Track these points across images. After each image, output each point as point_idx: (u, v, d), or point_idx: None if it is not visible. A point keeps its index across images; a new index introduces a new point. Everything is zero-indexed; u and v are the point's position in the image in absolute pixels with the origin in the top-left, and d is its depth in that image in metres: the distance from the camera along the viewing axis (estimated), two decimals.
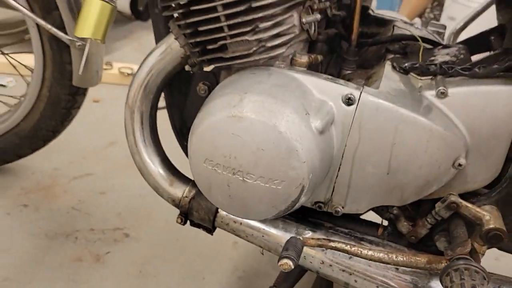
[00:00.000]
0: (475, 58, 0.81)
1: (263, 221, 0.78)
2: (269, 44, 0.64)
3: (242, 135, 0.59)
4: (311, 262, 0.76)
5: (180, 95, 0.81)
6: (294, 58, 0.68)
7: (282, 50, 0.66)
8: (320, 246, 0.64)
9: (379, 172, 0.67)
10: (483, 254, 0.69)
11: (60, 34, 1.01)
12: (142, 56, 0.77)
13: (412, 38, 0.83)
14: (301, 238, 0.63)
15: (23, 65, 1.24)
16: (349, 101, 0.64)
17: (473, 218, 0.68)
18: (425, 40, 0.87)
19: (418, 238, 0.74)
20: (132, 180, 0.83)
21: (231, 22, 0.63)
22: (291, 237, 0.62)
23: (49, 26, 1.00)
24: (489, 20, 0.90)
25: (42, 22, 1.01)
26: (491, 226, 0.66)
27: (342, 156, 0.67)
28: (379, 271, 0.74)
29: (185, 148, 0.83)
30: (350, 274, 0.74)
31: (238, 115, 0.59)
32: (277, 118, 0.59)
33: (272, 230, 0.78)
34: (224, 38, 0.65)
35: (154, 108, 0.79)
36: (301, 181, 0.60)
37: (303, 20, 0.66)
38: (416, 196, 0.70)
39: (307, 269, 0.80)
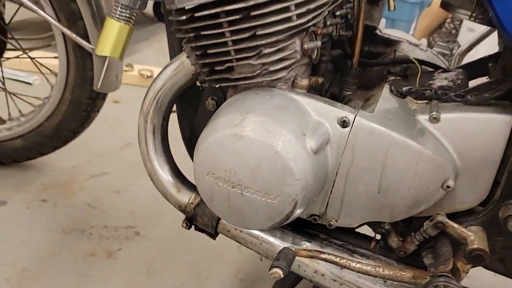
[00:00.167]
0: (474, 82, 0.84)
1: (262, 230, 0.83)
2: (272, 68, 0.70)
3: (242, 153, 0.65)
4: (305, 271, 0.81)
5: (191, 108, 0.87)
6: (295, 80, 0.73)
7: (284, 73, 0.71)
8: (310, 257, 0.69)
9: (370, 191, 0.72)
10: (466, 272, 0.73)
11: (83, 43, 1.08)
12: (162, 58, 0.83)
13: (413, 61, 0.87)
14: (293, 249, 0.68)
15: (48, 69, 1.32)
16: (344, 124, 0.69)
17: (459, 238, 0.72)
18: (425, 63, 0.91)
19: (407, 253, 0.78)
20: (145, 182, 0.89)
21: (237, 47, 0.68)
22: (283, 248, 0.68)
23: (73, 35, 1.08)
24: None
25: (67, 31, 1.08)
26: (475, 246, 0.70)
27: (336, 174, 0.72)
28: (368, 283, 0.78)
29: (193, 157, 0.89)
30: (341, 284, 0.79)
31: (239, 134, 0.65)
32: (274, 138, 0.64)
33: (270, 239, 0.83)
34: (230, 60, 0.70)
35: (165, 120, 0.85)
36: (295, 197, 0.65)
37: (305, 46, 0.70)
38: (405, 214, 0.74)
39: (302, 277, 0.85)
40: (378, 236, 0.84)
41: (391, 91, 0.78)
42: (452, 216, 0.75)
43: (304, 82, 0.72)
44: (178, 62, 0.81)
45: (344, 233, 0.84)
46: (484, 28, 1.07)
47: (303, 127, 0.67)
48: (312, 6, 0.67)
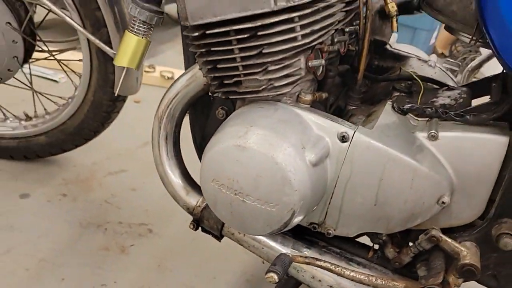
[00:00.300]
0: (478, 101, 0.87)
1: (265, 234, 0.88)
2: (277, 84, 0.74)
3: (245, 163, 0.69)
4: (303, 276, 0.85)
5: (202, 116, 0.92)
6: (299, 95, 0.77)
7: (288, 88, 0.75)
8: (307, 263, 0.73)
9: (367, 203, 0.75)
10: (458, 287, 0.76)
11: (106, 48, 1.14)
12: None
13: (418, 77, 0.90)
14: (290, 255, 0.72)
15: (73, 71, 1.39)
16: (343, 139, 0.73)
17: (452, 252, 0.75)
18: (431, 80, 0.94)
19: (402, 264, 0.81)
20: (160, 181, 0.95)
21: (245, 63, 0.72)
22: (281, 254, 0.72)
23: (97, 41, 1.14)
24: None
25: (91, 37, 1.14)
26: (467, 261, 0.73)
27: (335, 186, 0.75)
28: None
29: None
30: None
31: (242, 145, 0.69)
32: (275, 151, 0.68)
33: (272, 243, 0.87)
34: (238, 75, 0.74)
35: (178, 127, 0.91)
36: (293, 206, 0.69)
37: (309, 64, 0.74)
38: (401, 226, 0.78)
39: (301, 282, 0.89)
40: (377, 246, 0.87)
41: (393, 107, 0.81)
42: (448, 230, 0.78)
43: (308, 97, 0.76)
44: (192, 73, 0.86)
45: (343, 242, 0.87)
46: None
47: (303, 141, 0.71)
48: (317, 27, 0.71)
